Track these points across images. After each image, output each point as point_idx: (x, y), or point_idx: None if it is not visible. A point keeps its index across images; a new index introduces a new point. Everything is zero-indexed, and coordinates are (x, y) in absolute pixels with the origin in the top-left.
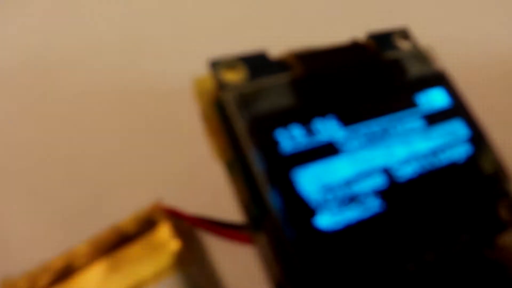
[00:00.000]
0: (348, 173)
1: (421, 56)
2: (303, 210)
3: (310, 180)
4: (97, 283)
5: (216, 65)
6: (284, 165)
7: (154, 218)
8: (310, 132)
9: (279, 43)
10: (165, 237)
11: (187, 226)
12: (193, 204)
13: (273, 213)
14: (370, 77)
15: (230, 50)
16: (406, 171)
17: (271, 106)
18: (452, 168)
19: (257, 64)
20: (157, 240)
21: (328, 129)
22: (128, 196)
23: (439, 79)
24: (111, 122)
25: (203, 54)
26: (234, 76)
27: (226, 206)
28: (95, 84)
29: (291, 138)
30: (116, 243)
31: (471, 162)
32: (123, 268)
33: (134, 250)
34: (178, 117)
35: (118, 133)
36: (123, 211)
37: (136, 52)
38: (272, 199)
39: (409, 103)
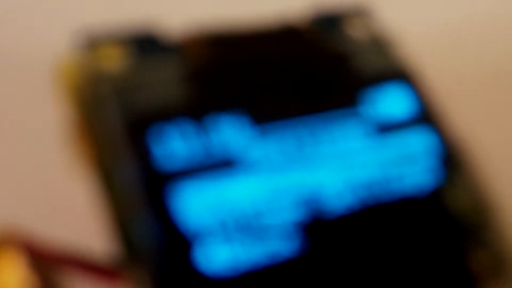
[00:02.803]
0: (253, 198)
1: (380, 45)
2: (183, 246)
3: (198, 205)
4: None
5: (91, 45)
6: (163, 181)
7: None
8: (205, 138)
9: (182, 17)
10: (10, 275)
11: (48, 262)
12: (57, 227)
13: (142, 247)
14: (302, 71)
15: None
16: (339, 202)
17: (157, 102)
18: (406, 200)
19: (146, 45)
20: (3, 280)
21: (229, 133)
22: None
23: (399, 75)
24: None
25: (74, 25)
26: (113, 60)
27: (100, 231)
28: None
29: (178, 144)
30: None
31: (435, 193)
32: None
33: None
34: (41, 111)
35: None
36: None
37: None
38: (141, 228)
39: (352, 106)
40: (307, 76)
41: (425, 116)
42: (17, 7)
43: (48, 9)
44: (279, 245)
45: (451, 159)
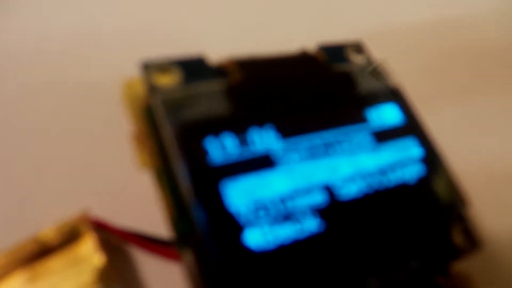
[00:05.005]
0: (283, 188)
1: (374, 70)
2: (230, 226)
3: (240, 194)
4: None
5: (148, 67)
6: (211, 177)
7: (78, 229)
8: (244, 142)
9: (223, 51)
10: (89, 250)
11: (115, 239)
12: (124, 216)
13: (197, 228)
14: (317, 89)
15: (169, 53)
16: (349, 190)
17: (203, 113)
18: (401, 189)
19: (193, 68)
20: (80, 253)
21: (264, 140)
22: (52, 204)
23: (392, 95)
24: (36, 124)
25: (143, 56)
26: (166, 80)
27: (159, 219)
28: (19, 84)
29: (222, 148)
30: (36, 254)
31: (423, 183)
32: (42, 281)
33: (55, 262)
34: (111, 122)
35: (44, 137)
36: (46, 220)
37: (73, 52)
38: (197, 212)
39: (358, 118)
40: (320, 95)
41: (413, 126)
42: (96, 43)
43: (118, 44)
44: (304, 223)
45: (432, 156)
